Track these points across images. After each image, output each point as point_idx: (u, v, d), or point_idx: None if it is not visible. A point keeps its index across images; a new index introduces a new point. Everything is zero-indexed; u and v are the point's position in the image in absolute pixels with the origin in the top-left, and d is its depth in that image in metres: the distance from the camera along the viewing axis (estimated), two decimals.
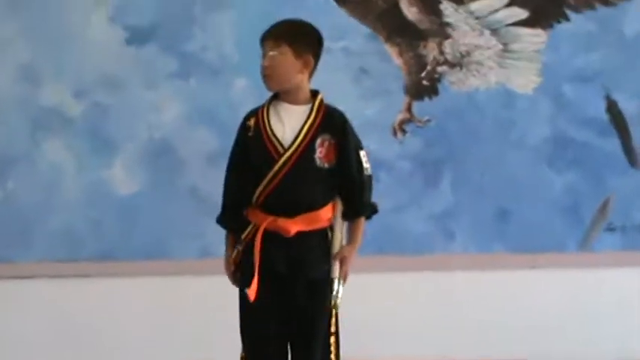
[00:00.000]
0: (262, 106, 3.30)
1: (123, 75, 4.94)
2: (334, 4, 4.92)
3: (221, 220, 3.40)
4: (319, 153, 3.27)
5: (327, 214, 3.30)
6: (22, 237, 4.91)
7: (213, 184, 4.81)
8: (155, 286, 4.86)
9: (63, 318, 4.78)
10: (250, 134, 3.28)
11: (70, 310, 4.86)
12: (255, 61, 4.87)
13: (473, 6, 5.00)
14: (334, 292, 3.26)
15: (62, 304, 4.87)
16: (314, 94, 3.32)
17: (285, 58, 3.24)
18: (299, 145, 3.23)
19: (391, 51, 5.00)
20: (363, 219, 3.37)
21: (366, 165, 3.35)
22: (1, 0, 4.92)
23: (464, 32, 5.03)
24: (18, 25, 4.94)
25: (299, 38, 3.28)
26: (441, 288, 4.97)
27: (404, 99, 5.02)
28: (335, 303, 3.27)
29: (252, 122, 3.30)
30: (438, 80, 5.02)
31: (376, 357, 4.82)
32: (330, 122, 3.28)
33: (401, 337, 4.89)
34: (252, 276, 3.21)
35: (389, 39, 5.00)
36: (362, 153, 3.36)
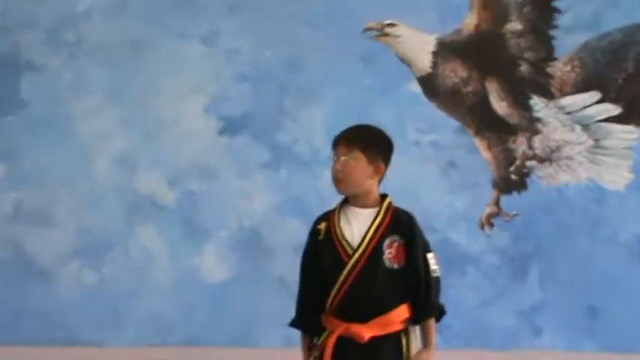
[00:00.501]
0: (333, 210, 3.33)
1: (215, 164, 4.98)
2: (424, 98, 4.95)
3: (296, 324, 3.42)
4: (388, 254, 3.25)
5: (400, 316, 3.25)
6: (115, 321, 4.95)
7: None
8: None
9: None
10: (321, 238, 3.29)
11: None
12: None
13: (564, 101, 4.97)
14: None
15: None
16: (383, 197, 3.32)
17: (358, 163, 3.26)
18: (367, 246, 3.22)
19: (480, 144, 4.98)
20: (433, 321, 3.33)
21: (433, 267, 3.33)
22: (100, 93, 5.06)
23: (554, 127, 4.99)
24: (117, 115, 5.04)
25: (371, 144, 3.29)
26: None
27: (492, 193, 4.97)
28: None
29: (322, 226, 3.31)
30: (527, 175, 4.96)
31: None
32: (398, 224, 3.27)
33: None
34: None
35: (478, 132, 4.98)
36: (430, 255, 3.33)
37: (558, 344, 4.88)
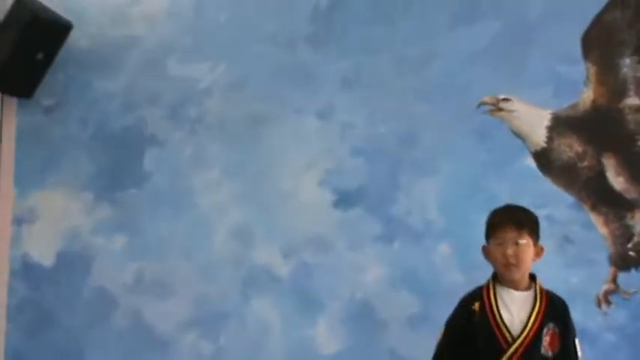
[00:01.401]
0: (484, 289, 3.30)
1: (329, 236, 4.97)
2: (538, 172, 4.88)
3: None
4: (545, 342, 3.26)
5: None
6: None
7: (412, 347, 4.83)
8: None
9: None
10: (475, 320, 3.26)
11: None
12: (459, 228, 4.91)
13: None
14: None
15: None
16: (532, 277, 3.32)
17: (529, 248, 3.26)
18: (527, 335, 3.22)
19: (596, 220, 4.86)
20: None
21: (579, 353, 3.32)
22: (219, 167, 5.11)
23: None
24: (235, 189, 5.07)
25: (536, 228, 3.30)
26: None
27: (609, 269, 4.82)
28: None
29: (477, 306, 3.29)
30: None
31: None
32: (554, 310, 3.27)
33: None
34: None
35: (594, 208, 4.87)
36: (576, 341, 3.32)
37: None
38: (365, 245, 4.95)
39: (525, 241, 3.28)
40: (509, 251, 3.26)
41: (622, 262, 4.86)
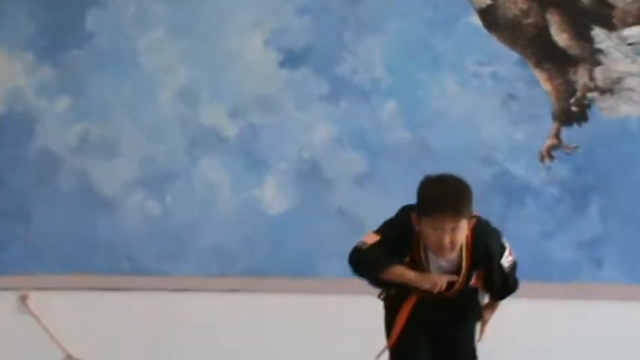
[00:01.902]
0: (415, 237, 3.30)
1: (276, 96, 5.02)
2: (483, 29, 4.93)
3: (379, 268, 3.35)
4: (472, 282, 3.38)
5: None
6: (178, 251, 5.04)
7: (359, 205, 4.92)
8: (302, 303, 4.92)
9: (212, 331, 4.90)
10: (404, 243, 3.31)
11: (220, 324, 4.97)
12: (405, 86, 4.96)
13: (626, 32, 4.92)
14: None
15: (213, 318, 4.98)
16: None
17: (464, 230, 3.23)
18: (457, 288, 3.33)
19: (540, 76, 4.96)
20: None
21: (506, 265, 3.38)
22: (164, 27, 5.09)
23: (616, 59, 4.94)
24: (179, 49, 5.08)
25: (471, 208, 3.26)
26: (587, 317, 4.89)
27: (552, 125, 4.95)
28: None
29: (410, 240, 3.31)
30: (588, 107, 4.94)
31: None
32: (478, 254, 3.32)
33: None
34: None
35: (538, 65, 4.96)
36: (503, 261, 3.37)
37: (620, 277, 4.88)
38: (312, 105, 5.00)
39: (462, 227, 3.26)
40: (446, 239, 3.23)
41: (565, 117, 4.97)
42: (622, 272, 4.89)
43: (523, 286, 4.70)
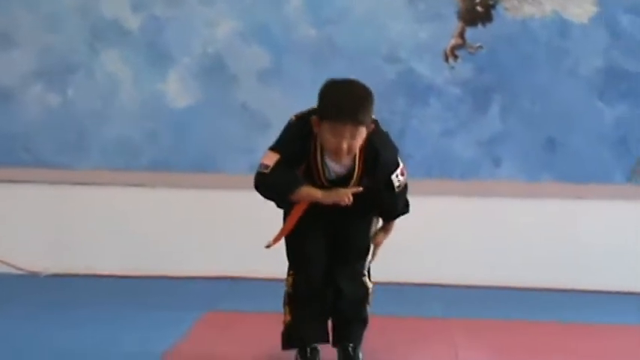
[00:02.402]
0: (313, 143, 3.32)
1: None
2: None
3: (286, 190, 3.36)
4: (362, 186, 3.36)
5: None
6: (80, 144, 5.00)
7: (263, 101, 4.92)
8: (206, 198, 4.96)
9: (116, 225, 4.92)
10: (304, 153, 3.33)
11: (122, 216, 4.98)
12: None
13: None
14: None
15: (117, 212, 4.98)
16: None
17: (362, 136, 3.25)
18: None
19: None
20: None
21: (397, 183, 3.41)
22: None
23: None
24: None
25: (371, 115, 3.28)
26: (486, 213, 5.03)
27: (457, 24, 4.97)
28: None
29: (306, 145, 3.33)
30: (493, 7, 4.95)
31: (417, 279, 4.94)
32: (368, 163, 3.34)
33: (444, 260, 4.99)
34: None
35: None
36: (393, 176, 3.40)
37: (518, 175, 5.01)
38: None
39: (360, 134, 3.28)
40: (344, 145, 3.26)
41: (469, 16, 5.00)
42: (519, 170, 5.02)
43: (426, 183, 4.91)
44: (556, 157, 5.00)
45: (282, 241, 3.46)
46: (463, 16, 4.99)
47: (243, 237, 4.69)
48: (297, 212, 3.38)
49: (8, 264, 4.87)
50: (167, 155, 4.98)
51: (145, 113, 4.98)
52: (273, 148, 3.32)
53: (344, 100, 3.23)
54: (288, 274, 3.46)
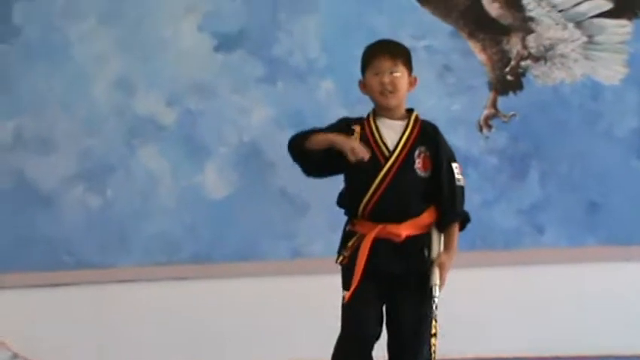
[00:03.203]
0: (365, 119, 3.51)
1: (212, 81, 5.03)
2: (416, 3, 4.99)
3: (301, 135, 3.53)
4: (417, 163, 3.45)
5: (428, 219, 3.46)
6: (121, 243, 5.03)
7: (301, 186, 4.94)
8: (249, 287, 4.94)
9: (162, 319, 4.89)
10: (354, 137, 3.45)
11: (170, 312, 4.95)
12: (341, 65, 5.01)
13: None
14: (435, 298, 3.42)
15: (161, 307, 4.96)
16: (409, 110, 3.54)
17: (404, 77, 3.48)
18: (400, 152, 3.42)
19: (474, 47, 5.02)
20: (456, 227, 3.53)
21: (458, 176, 3.51)
22: (95, 16, 5.08)
23: (547, 26, 5.03)
24: (112, 38, 5.08)
25: (409, 59, 3.52)
26: (532, 282, 4.96)
27: (488, 95, 5.02)
28: (435, 306, 3.42)
29: (357, 129, 3.49)
30: (523, 75, 5.00)
31: (468, 353, 4.84)
32: (426, 135, 3.48)
33: (493, 332, 4.91)
34: (352, 279, 3.38)
35: (472, 36, 5.02)
36: (454, 165, 3.51)
37: (561, 241, 4.98)
38: (249, 87, 5.03)
39: (400, 72, 3.49)
40: (386, 79, 3.46)
41: (500, 86, 5.05)
42: (562, 236, 4.99)
43: (468, 255, 4.68)
44: (598, 219, 4.97)
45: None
46: (494, 86, 5.04)
47: (290, 323, 4.68)
48: (357, 272, 3.38)
49: None
50: (208, 246, 5.00)
51: (184, 206, 5.03)
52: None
53: (379, 41, 3.57)
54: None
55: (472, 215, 4.84)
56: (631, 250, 4.92)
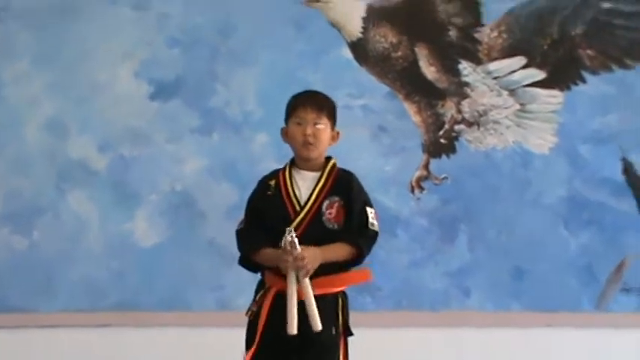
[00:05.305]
0: (280, 170, 3.55)
1: (147, 129, 5.06)
2: (354, 63, 5.08)
3: (249, 249, 3.50)
4: (328, 214, 3.45)
5: (340, 281, 3.45)
6: (46, 287, 5.00)
7: (232, 238, 4.93)
8: (174, 337, 4.94)
9: None
10: (270, 193, 3.49)
11: (93, 359, 4.94)
12: (276, 118, 5.03)
13: (491, 66, 5.13)
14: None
15: (84, 353, 4.95)
16: (327, 159, 3.56)
17: (327, 130, 3.51)
18: (312, 207, 3.43)
19: (410, 109, 5.11)
20: (348, 248, 3.44)
21: (372, 220, 3.51)
22: (29, 57, 5.09)
23: (482, 92, 5.13)
24: (46, 80, 5.08)
25: (334, 113, 3.54)
26: (456, 344, 5.04)
27: (422, 156, 5.09)
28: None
29: (273, 183, 3.53)
30: (456, 138, 5.09)
31: None
32: (339, 185, 3.49)
33: None
34: (254, 339, 3.38)
35: (407, 97, 5.11)
36: (369, 210, 3.53)
37: (486, 304, 5.05)
38: (184, 137, 5.08)
39: (323, 124, 3.52)
40: (309, 130, 3.48)
41: (433, 149, 5.13)
42: (488, 300, 5.07)
43: (396, 314, 4.98)
44: (524, 285, 5.06)
45: None
46: (427, 148, 5.12)
47: None
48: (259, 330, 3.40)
49: None
50: (135, 294, 5.00)
51: (111, 253, 5.03)
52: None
53: (306, 91, 3.61)
54: None
55: (401, 276, 5.05)
56: (554, 317, 5.03)
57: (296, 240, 3.32)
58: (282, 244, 3.34)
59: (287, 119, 3.58)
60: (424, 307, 5.04)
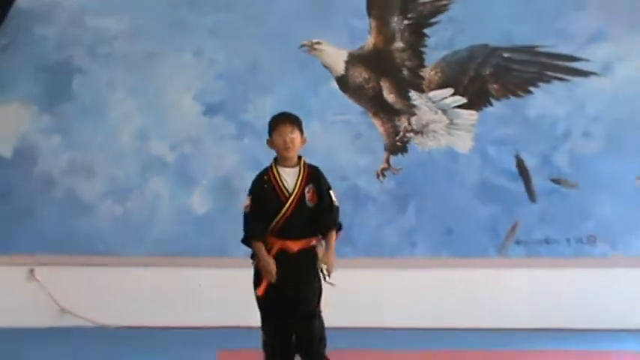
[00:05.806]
0: (270, 167, 4.25)
1: (200, 135, 6.08)
2: (340, 91, 6.19)
3: (251, 236, 4.15)
4: (308, 197, 4.26)
5: (314, 241, 4.29)
6: (135, 239, 6.07)
7: None
8: (216, 274, 5.88)
9: None
10: (266, 186, 4.25)
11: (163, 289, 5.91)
12: None
13: (431, 94, 6.18)
14: (325, 277, 4.16)
15: (160, 286, 5.94)
16: (299, 158, 4.34)
17: (298, 138, 4.25)
18: (297, 192, 4.23)
19: (376, 122, 6.20)
20: (334, 234, 4.26)
21: (334, 199, 4.28)
22: (125, 88, 6.10)
23: (424, 111, 6.17)
24: (135, 103, 6.13)
25: (302, 126, 4.32)
26: (408, 282, 6.15)
27: (384, 154, 6.17)
28: (321, 284, 4.19)
29: (267, 177, 4.25)
30: (407, 142, 6.16)
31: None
32: (312, 176, 4.27)
33: (386, 307, 6.02)
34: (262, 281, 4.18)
35: (375, 115, 6.20)
36: (331, 192, 4.29)
37: (427, 253, 6.17)
38: (224, 141, 6.14)
39: (296, 134, 4.14)
40: (287, 139, 4.12)
41: (392, 149, 6.19)
42: (428, 250, 6.16)
43: (364, 261, 5.84)
44: (452, 239, 6.18)
45: None
46: (388, 149, 6.15)
47: None
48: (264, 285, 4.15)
49: None
50: (192, 246, 5.98)
51: (177, 218, 6.04)
52: (248, 194, 4.25)
53: (282, 113, 4.32)
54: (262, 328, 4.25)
55: (370, 233, 5.88)
56: (472, 261, 6.10)
57: (325, 272, 4.07)
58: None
59: (270, 132, 4.21)
60: (385, 255, 6.14)
